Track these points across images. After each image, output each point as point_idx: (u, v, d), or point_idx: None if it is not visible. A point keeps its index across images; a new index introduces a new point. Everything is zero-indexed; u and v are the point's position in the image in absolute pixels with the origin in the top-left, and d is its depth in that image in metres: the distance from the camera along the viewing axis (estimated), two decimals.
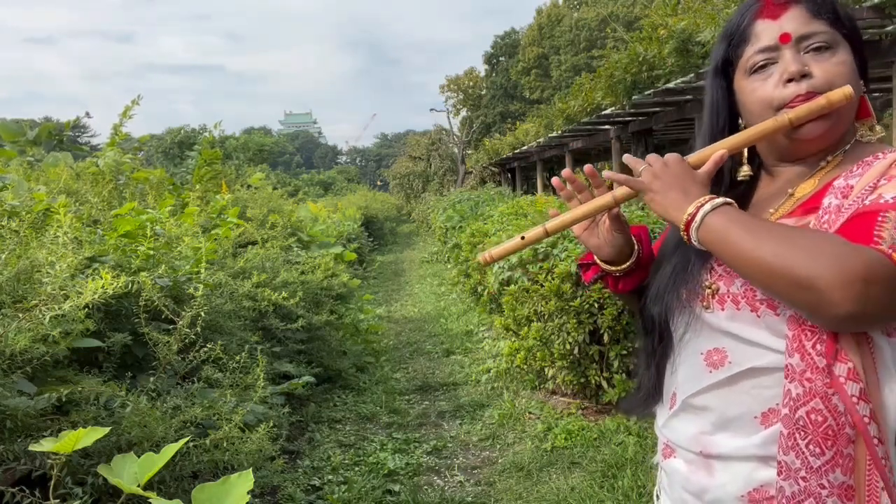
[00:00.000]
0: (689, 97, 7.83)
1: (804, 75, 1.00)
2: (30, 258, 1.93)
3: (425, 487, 3.47)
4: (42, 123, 6.50)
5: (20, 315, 1.75)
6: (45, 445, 1.29)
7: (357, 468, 3.69)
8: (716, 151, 1.03)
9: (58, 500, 1.38)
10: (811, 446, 0.90)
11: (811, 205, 1.00)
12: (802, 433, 0.90)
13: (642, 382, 1.21)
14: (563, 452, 3.71)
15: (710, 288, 1.05)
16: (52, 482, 1.38)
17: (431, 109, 45.38)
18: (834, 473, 0.89)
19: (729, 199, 0.97)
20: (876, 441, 0.88)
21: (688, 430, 1.08)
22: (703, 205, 0.96)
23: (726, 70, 1.10)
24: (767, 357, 0.97)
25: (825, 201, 0.97)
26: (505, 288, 4.73)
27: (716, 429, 1.04)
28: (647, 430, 3.82)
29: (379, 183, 57.67)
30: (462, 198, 13.78)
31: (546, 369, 4.36)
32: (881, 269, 0.84)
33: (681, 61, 6.95)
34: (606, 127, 11.15)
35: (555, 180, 1.15)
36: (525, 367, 4.58)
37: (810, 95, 1.00)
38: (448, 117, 33.96)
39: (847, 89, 0.98)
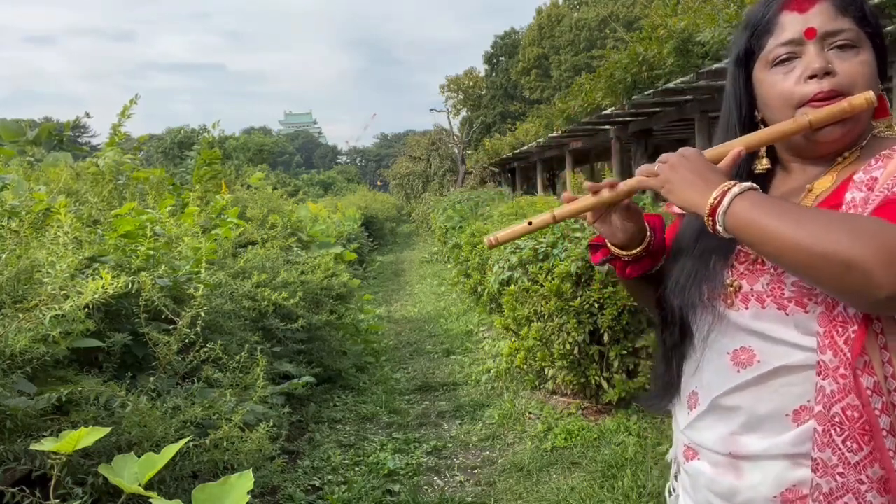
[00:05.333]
0: (688, 97, 7.84)
1: (827, 73, 0.98)
2: (30, 258, 1.93)
3: (425, 487, 3.47)
4: (42, 123, 6.50)
5: (20, 315, 1.75)
6: (46, 445, 1.29)
7: (357, 468, 3.69)
8: (733, 148, 1.01)
9: (58, 500, 1.38)
10: (848, 442, 0.89)
11: (833, 201, 0.99)
12: (839, 429, 0.90)
13: (658, 375, 1.19)
14: (563, 452, 3.71)
15: (731, 286, 1.03)
16: (53, 482, 1.38)
17: (431, 109, 45.49)
18: (873, 468, 0.88)
19: (754, 185, 0.94)
20: (884, 433, 0.88)
21: (715, 432, 1.06)
22: (729, 189, 0.93)
23: (748, 60, 1.08)
24: (797, 355, 0.96)
25: (848, 196, 0.96)
26: (505, 288, 4.73)
27: (746, 429, 1.02)
28: (646, 430, 3.82)
29: (379, 183, 57.63)
30: (462, 198, 13.78)
31: (546, 369, 4.36)
32: None
33: (681, 61, 6.96)
34: (606, 127, 11.15)
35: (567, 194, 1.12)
36: (525, 367, 4.58)
37: (832, 94, 0.98)
38: (448, 117, 33.97)
39: (870, 95, 0.96)
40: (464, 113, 40.86)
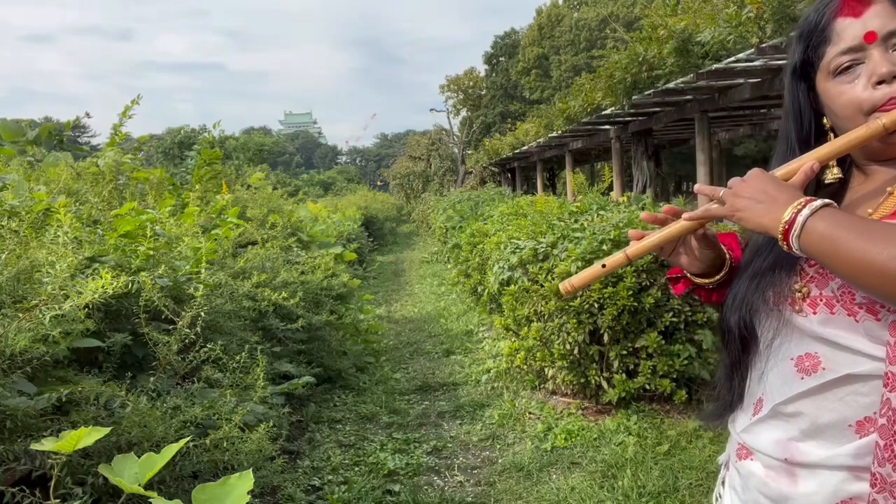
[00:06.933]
0: (688, 97, 7.84)
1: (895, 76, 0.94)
2: (30, 258, 1.93)
3: (425, 487, 3.47)
4: (42, 123, 6.50)
5: (20, 315, 1.75)
6: (46, 445, 1.29)
7: (357, 468, 3.69)
8: (805, 164, 0.97)
9: (58, 500, 1.38)
10: None
11: None
12: None
13: (721, 393, 1.16)
14: (563, 452, 3.71)
15: (800, 291, 1.00)
16: (53, 482, 1.38)
17: (431, 109, 45.30)
18: None
19: (828, 200, 0.89)
20: None
21: (772, 437, 1.03)
22: (800, 209, 0.88)
23: (806, 72, 1.04)
24: (865, 364, 0.92)
25: None
26: (505, 288, 4.74)
27: (805, 436, 0.99)
28: (646, 430, 3.82)
29: (379, 183, 57.67)
30: (462, 198, 13.79)
31: (546, 369, 4.36)
32: None
33: (681, 61, 6.94)
34: (606, 127, 11.15)
35: (645, 219, 1.12)
36: (525, 367, 4.58)
37: None
38: (448, 117, 33.95)
39: None
40: (464, 113, 40.79)
